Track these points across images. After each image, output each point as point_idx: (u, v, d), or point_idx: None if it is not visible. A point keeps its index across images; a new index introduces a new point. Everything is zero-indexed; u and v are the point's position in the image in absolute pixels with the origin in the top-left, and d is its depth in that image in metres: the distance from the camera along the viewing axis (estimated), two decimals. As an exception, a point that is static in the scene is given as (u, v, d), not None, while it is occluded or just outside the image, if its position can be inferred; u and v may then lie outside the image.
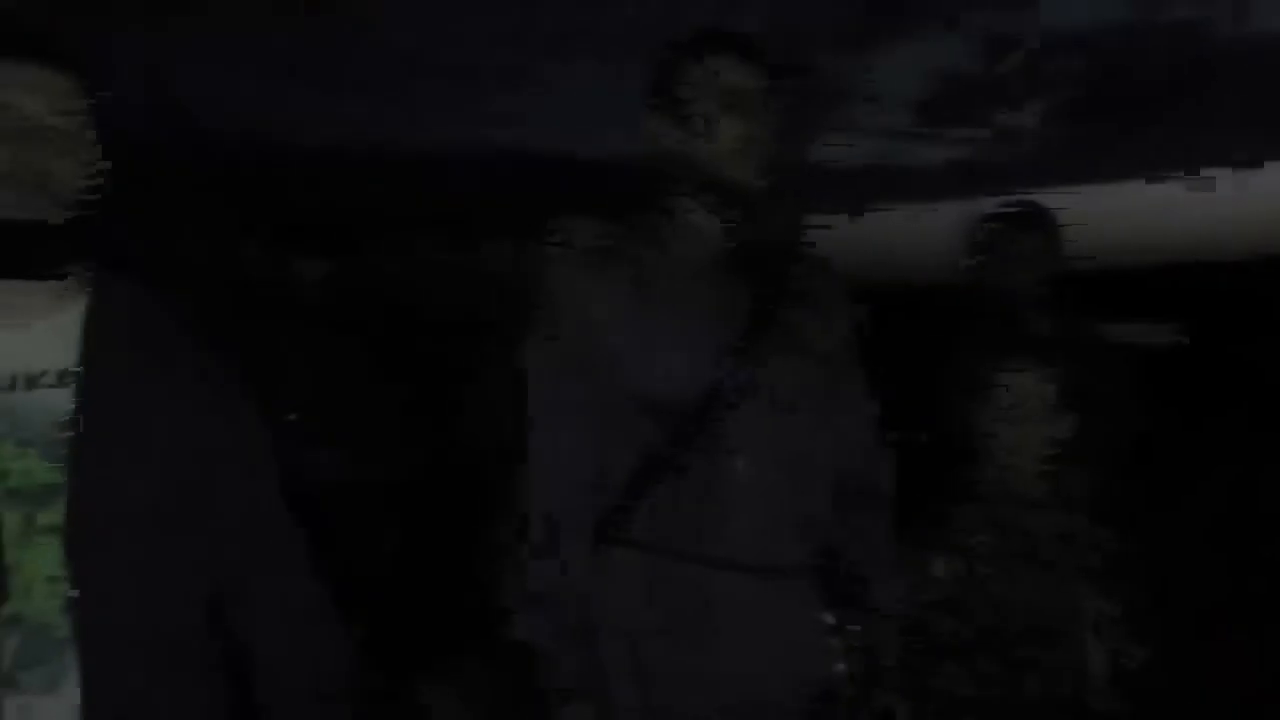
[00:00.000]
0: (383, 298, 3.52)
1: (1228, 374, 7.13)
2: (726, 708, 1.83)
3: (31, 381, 1.45)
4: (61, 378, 1.46)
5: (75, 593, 1.41)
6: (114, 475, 1.44)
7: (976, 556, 2.32)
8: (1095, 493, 2.40)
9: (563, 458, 1.84)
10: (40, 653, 1.41)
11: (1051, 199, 2.98)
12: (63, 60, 1.45)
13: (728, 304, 1.88)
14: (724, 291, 1.89)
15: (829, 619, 2.00)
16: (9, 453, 1.43)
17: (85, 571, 1.42)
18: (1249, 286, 8.96)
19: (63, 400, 1.45)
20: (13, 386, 1.44)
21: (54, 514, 1.42)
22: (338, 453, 3.39)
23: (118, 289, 1.52)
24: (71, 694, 1.41)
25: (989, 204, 3.08)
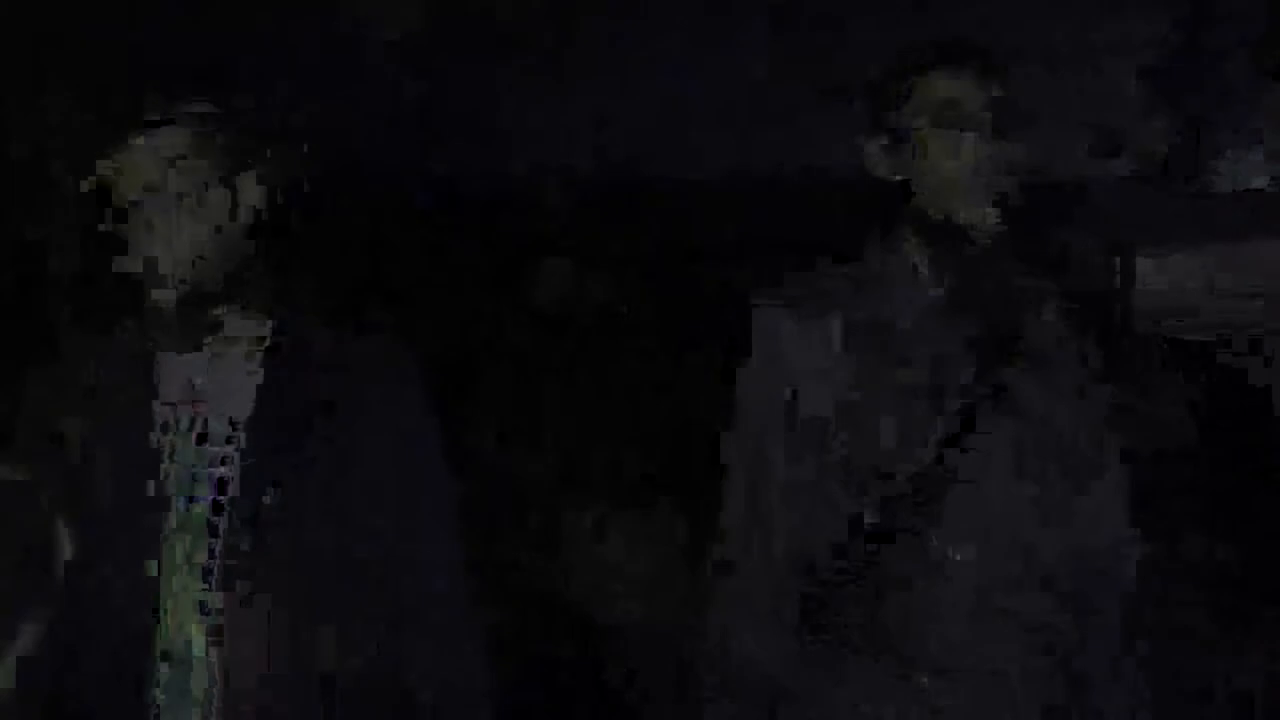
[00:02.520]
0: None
1: None
2: None
3: (207, 424, 1.48)
4: (234, 422, 1.48)
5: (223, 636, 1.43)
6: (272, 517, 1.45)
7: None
8: None
9: (762, 531, 1.67)
10: (183, 684, 1.45)
11: None
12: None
13: (947, 361, 1.66)
14: (943, 346, 1.66)
15: None
16: (182, 489, 1.47)
17: (238, 618, 1.43)
18: None
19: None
20: (191, 428, 1.48)
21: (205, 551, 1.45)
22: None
23: (292, 339, 1.52)
24: None
25: None
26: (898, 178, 1.67)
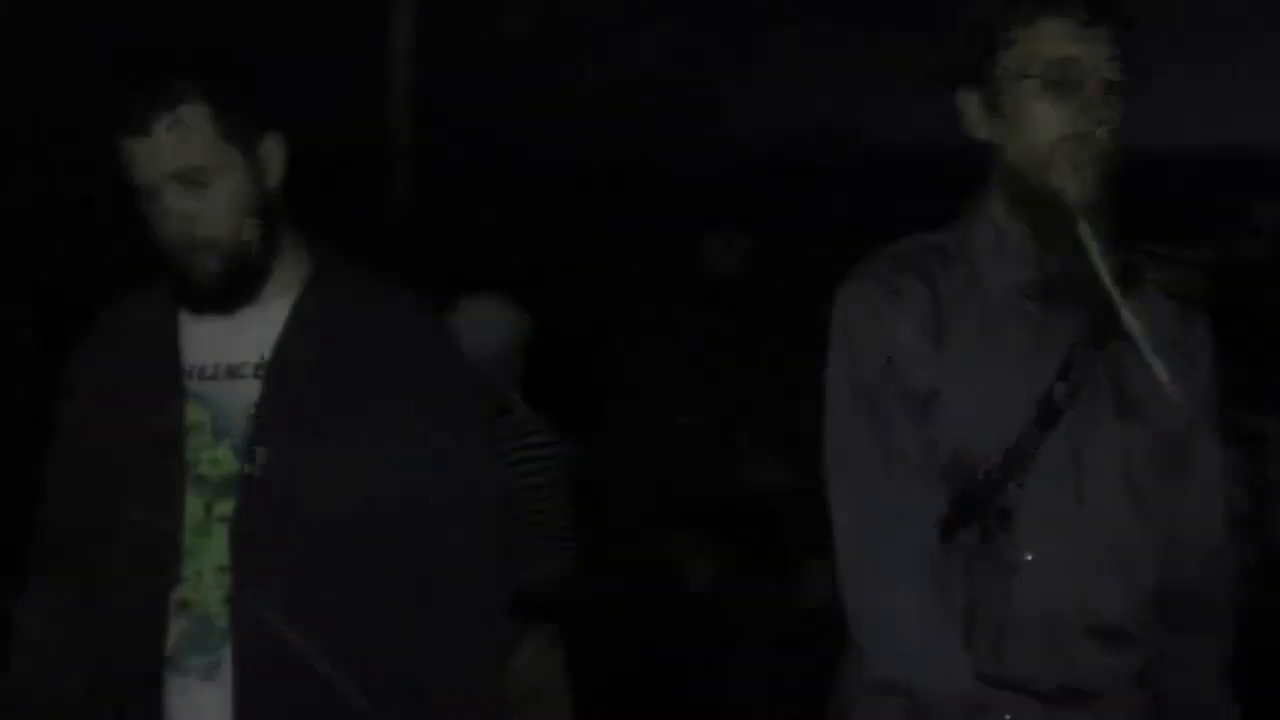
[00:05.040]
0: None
1: None
2: None
3: (232, 372, 1.46)
4: (258, 370, 1.46)
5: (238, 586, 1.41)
6: (293, 471, 1.42)
7: None
8: None
9: (883, 521, 1.47)
10: (203, 640, 1.43)
11: None
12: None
13: (1038, 347, 1.47)
14: (1035, 331, 1.48)
15: None
16: (204, 441, 1.45)
17: (251, 566, 1.42)
18: None
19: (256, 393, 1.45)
20: (215, 376, 1.47)
21: (229, 505, 1.43)
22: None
23: (333, 286, 1.49)
24: (228, 682, 1.42)
25: None
26: (993, 139, 1.48)
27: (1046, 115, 1.43)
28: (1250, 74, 3.37)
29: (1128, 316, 1.43)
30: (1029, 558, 1.44)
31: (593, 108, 3.75)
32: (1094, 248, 1.43)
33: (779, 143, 3.99)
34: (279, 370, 1.44)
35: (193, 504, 1.43)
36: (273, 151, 1.46)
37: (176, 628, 1.42)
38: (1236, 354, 1.63)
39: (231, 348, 1.46)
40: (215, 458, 1.44)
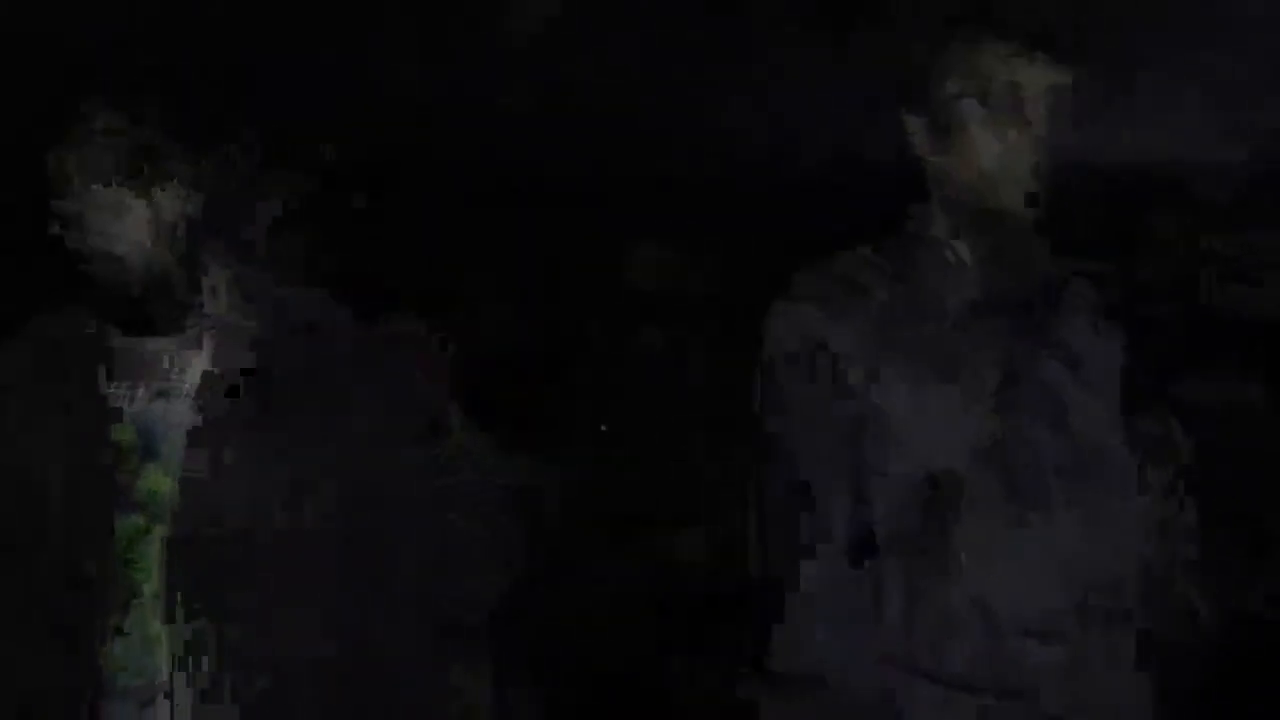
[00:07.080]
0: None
1: None
2: None
3: (161, 393, 1.46)
4: (188, 390, 1.45)
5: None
6: (227, 491, 1.42)
7: None
8: None
9: (831, 534, 1.49)
10: (139, 663, 1.41)
11: None
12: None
13: (977, 362, 1.51)
14: (974, 347, 1.51)
15: None
16: (133, 463, 1.44)
17: (187, 587, 1.40)
18: None
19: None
20: (142, 397, 1.46)
21: (162, 527, 1.43)
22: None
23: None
24: (167, 706, 1.41)
25: None
26: (936, 158, 1.52)
27: (990, 139, 1.48)
28: (1149, 91, 3.46)
29: (1061, 332, 1.49)
30: (967, 563, 1.47)
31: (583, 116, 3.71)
32: (1037, 266, 1.49)
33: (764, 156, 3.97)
34: (211, 390, 1.44)
35: (124, 526, 1.42)
36: (201, 178, 1.45)
37: (112, 651, 1.41)
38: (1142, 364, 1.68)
39: (160, 368, 1.45)
40: (145, 480, 1.43)
